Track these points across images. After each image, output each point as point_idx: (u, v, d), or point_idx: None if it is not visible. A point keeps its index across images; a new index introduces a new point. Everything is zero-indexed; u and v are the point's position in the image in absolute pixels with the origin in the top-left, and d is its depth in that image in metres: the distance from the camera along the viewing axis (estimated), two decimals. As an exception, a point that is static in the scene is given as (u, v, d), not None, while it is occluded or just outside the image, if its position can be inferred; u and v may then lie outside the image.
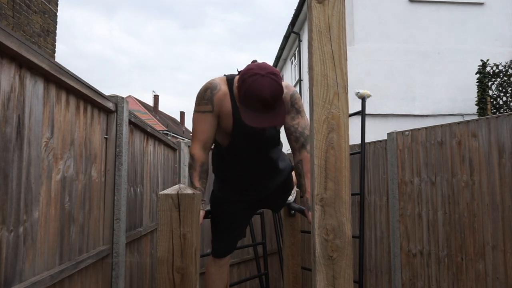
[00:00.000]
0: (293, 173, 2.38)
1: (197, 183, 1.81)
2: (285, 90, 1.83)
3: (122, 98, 2.23)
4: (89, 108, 1.89)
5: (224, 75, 1.90)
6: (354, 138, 3.23)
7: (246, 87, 1.63)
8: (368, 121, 4.54)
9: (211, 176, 2.14)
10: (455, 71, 7.85)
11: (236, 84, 1.78)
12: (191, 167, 1.85)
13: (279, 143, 2.08)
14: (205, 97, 1.82)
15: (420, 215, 3.42)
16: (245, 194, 2.09)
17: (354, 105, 4.10)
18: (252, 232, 4.41)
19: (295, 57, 11.11)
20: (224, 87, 1.82)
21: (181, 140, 4.01)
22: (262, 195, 2.13)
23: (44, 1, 4.81)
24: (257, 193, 2.11)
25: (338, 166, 1.05)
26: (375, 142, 3.97)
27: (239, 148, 1.94)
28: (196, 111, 1.85)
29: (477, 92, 7.03)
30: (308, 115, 1.32)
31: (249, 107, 1.65)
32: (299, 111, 1.86)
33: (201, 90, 1.84)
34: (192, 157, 1.86)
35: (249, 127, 1.83)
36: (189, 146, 3.97)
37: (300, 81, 9.91)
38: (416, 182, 3.46)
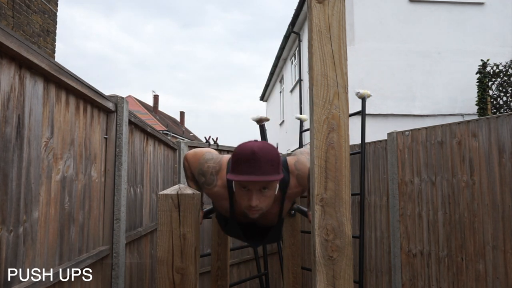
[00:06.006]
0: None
1: (193, 187, 1.81)
2: (298, 189, 1.70)
3: (122, 98, 2.23)
4: (89, 108, 1.88)
5: (228, 163, 1.70)
6: (354, 138, 3.23)
7: (235, 151, 1.49)
8: (368, 121, 4.54)
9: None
10: (455, 71, 7.85)
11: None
12: (186, 175, 1.87)
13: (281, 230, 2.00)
14: (199, 180, 1.71)
15: (420, 215, 3.42)
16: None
17: (354, 105, 4.10)
18: (252, 232, 4.41)
19: (295, 57, 11.12)
20: (219, 188, 1.67)
21: (181, 140, 4.01)
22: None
23: (44, 1, 4.81)
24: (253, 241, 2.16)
25: (338, 166, 1.05)
26: (375, 142, 3.97)
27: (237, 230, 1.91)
28: (192, 165, 1.78)
29: (477, 92, 7.03)
30: (308, 115, 1.30)
31: (237, 169, 1.43)
32: None
33: (199, 165, 1.71)
34: (184, 166, 1.87)
35: (244, 235, 1.80)
36: (189, 146, 3.97)
37: (300, 81, 9.91)
38: (416, 182, 3.46)
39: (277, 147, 14.77)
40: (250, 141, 1.51)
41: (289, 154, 3.99)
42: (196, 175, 1.74)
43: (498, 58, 7.30)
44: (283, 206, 1.74)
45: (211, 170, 1.68)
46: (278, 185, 1.57)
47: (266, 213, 1.70)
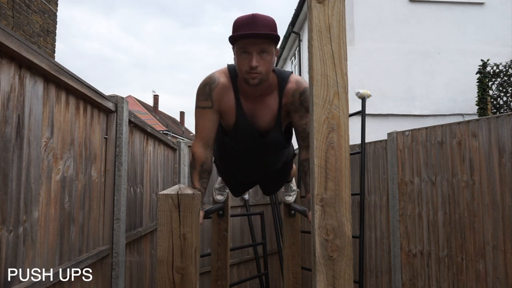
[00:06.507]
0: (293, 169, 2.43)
1: (197, 184, 1.78)
2: (294, 86, 1.73)
3: (122, 98, 2.23)
4: (89, 108, 1.88)
5: (227, 64, 1.79)
6: (354, 138, 3.23)
7: (234, 21, 1.60)
8: (368, 121, 4.54)
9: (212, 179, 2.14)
10: (455, 71, 7.84)
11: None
12: (191, 165, 1.81)
13: (286, 147, 2.00)
14: (204, 92, 1.74)
15: (420, 215, 3.42)
16: (239, 173, 2.15)
17: (354, 105, 4.10)
18: (252, 232, 4.42)
19: (295, 57, 11.12)
20: (224, 79, 1.73)
21: (181, 140, 4.01)
22: (257, 177, 2.24)
23: (44, 1, 4.81)
24: (252, 176, 2.20)
25: (338, 166, 1.05)
26: (375, 142, 3.97)
27: (239, 148, 1.92)
28: (196, 106, 1.80)
29: (477, 92, 7.03)
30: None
31: (237, 31, 1.55)
32: (308, 110, 1.73)
33: (200, 84, 1.77)
34: (192, 155, 1.82)
35: (252, 127, 1.78)
36: (189, 146, 3.97)
37: (300, 81, 9.90)
38: (416, 182, 3.46)
39: None
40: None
41: None
42: (200, 95, 1.75)
43: (498, 58, 7.29)
44: (281, 103, 1.75)
45: (209, 75, 1.76)
46: (275, 53, 1.63)
47: (264, 110, 1.74)
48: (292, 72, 1.81)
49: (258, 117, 1.79)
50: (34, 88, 1.39)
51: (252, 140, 1.84)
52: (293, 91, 1.74)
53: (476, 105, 7.04)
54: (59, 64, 1.53)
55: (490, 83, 7.03)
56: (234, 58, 1.64)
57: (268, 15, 1.60)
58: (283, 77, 1.74)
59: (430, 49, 7.95)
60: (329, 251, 1.04)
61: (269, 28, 1.55)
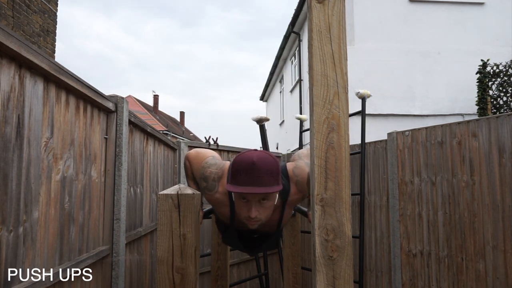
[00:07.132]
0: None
1: (193, 187, 1.82)
2: (297, 196, 1.67)
3: (122, 98, 2.23)
4: (89, 108, 1.88)
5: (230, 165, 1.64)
6: (354, 138, 3.23)
7: (234, 161, 1.48)
8: (368, 121, 4.54)
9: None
10: (455, 71, 7.85)
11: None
12: (186, 175, 1.89)
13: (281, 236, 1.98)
14: (201, 184, 1.69)
15: (420, 215, 3.42)
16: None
17: (354, 105, 4.11)
18: (252, 232, 4.42)
19: (295, 57, 11.12)
20: (221, 195, 1.64)
21: (181, 140, 4.01)
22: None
23: (44, 1, 4.81)
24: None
25: (338, 166, 1.05)
26: (375, 142, 3.97)
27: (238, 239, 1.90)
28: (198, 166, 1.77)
29: (477, 92, 7.03)
30: (308, 115, 1.30)
31: (237, 179, 1.41)
32: None
33: (202, 170, 1.69)
34: (184, 165, 1.90)
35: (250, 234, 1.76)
36: (189, 146, 3.97)
37: (300, 81, 9.91)
38: (416, 182, 3.46)
39: (277, 147, 14.40)
40: (250, 151, 1.49)
41: (289, 156, 4.00)
42: (198, 178, 1.73)
43: (498, 58, 7.30)
44: (283, 214, 1.72)
45: (213, 176, 1.66)
46: (278, 195, 1.55)
47: (266, 221, 1.67)
48: (288, 172, 1.70)
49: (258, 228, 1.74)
50: (34, 88, 1.39)
51: (249, 241, 1.86)
52: (299, 199, 1.71)
53: (476, 105, 7.04)
54: (59, 64, 1.53)
55: (490, 83, 7.03)
56: (234, 199, 1.55)
57: (269, 155, 1.49)
58: (285, 191, 1.67)
59: (430, 49, 7.96)
60: (329, 251, 1.04)
61: (271, 174, 1.42)
